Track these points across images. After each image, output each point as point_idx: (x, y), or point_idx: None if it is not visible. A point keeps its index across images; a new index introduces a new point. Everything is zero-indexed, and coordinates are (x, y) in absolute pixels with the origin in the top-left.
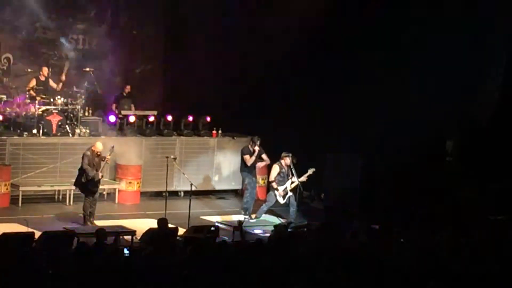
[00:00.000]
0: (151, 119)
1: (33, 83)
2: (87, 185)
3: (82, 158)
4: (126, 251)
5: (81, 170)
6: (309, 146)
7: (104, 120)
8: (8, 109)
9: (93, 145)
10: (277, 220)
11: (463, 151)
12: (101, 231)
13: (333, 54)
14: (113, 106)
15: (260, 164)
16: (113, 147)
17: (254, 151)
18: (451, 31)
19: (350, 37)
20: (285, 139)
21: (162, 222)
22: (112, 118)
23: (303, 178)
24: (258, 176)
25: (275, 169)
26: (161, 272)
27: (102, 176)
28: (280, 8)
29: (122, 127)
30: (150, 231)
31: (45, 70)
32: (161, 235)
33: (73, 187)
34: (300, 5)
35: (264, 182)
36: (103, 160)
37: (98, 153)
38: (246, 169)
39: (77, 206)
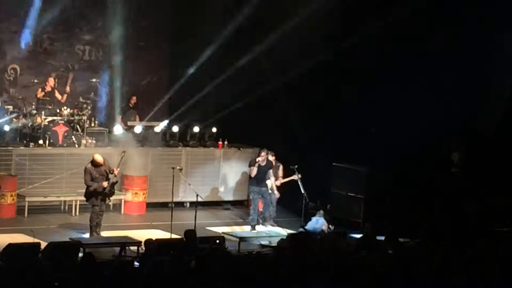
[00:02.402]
0: (157, 130)
1: (39, 93)
2: (95, 196)
3: (84, 174)
4: (136, 263)
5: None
6: (315, 156)
7: (110, 131)
8: (14, 119)
9: (92, 158)
10: (282, 231)
11: (469, 162)
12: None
13: (341, 66)
14: (119, 118)
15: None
16: (124, 152)
17: (257, 162)
18: (455, 40)
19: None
20: (291, 150)
21: (190, 233)
22: (118, 129)
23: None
24: None
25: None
26: (168, 282)
27: (116, 182)
28: (288, 18)
29: (128, 138)
30: (156, 242)
31: (51, 81)
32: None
33: (80, 198)
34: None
35: None
36: (111, 173)
37: (100, 164)
38: (251, 181)
39: (83, 217)
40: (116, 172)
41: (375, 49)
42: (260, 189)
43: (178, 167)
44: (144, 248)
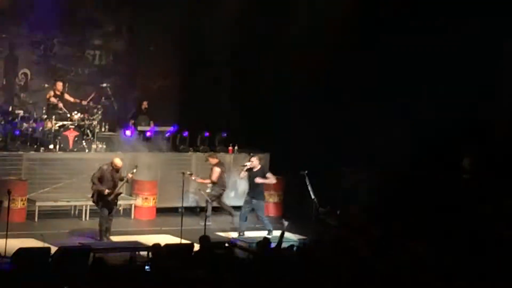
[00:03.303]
0: (168, 135)
1: (51, 94)
2: (101, 199)
3: (97, 170)
4: (147, 267)
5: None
6: (325, 161)
7: (120, 135)
8: (25, 124)
9: (112, 160)
10: (292, 237)
11: (480, 168)
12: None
13: (348, 70)
14: (131, 122)
15: (258, 180)
16: (136, 167)
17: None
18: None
19: (366, 53)
20: (301, 155)
21: (204, 239)
22: (128, 133)
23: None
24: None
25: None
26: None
27: (120, 193)
28: (296, 24)
29: (138, 143)
30: (166, 247)
31: (59, 85)
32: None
33: (89, 203)
34: (316, 22)
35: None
36: (122, 180)
37: (117, 169)
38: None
39: (93, 222)
40: (129, 177)
41: (382, 50)
42: (251, 198)
43: (188, 172)
44: (151, 254)
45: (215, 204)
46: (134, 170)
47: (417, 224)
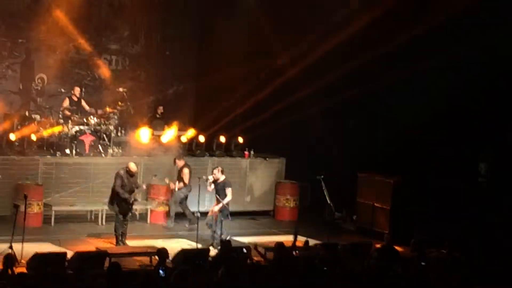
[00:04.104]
0: (184, 139)
1: (66, 103)
2: (119, 205)
3: (115, 178)
4: (161, 272)
5: (114, 190)
6: (342, 166)
7: (136, 140)
8: (41, 128)
9: (127, 165)
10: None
11: (496, 173)
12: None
13: (366, 75)
14: (146, 127)
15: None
16: (155, 176)
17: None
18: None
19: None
20: (318, 160)
21: (225, 243)
22: (144, 138)
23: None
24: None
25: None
26: None
27: (135, 200)
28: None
29: (154, 148)
30: (182, 252)
31: (77, 90)
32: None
33: (106, 207)
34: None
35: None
36: (138, 188)
37: (132, 174)
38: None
39: (109, 226)
40: (144, 189)
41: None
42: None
43: (204, 177)
44: (158, 257)
45: (178, 207)
46: (154, 178)
47: (434, 230)
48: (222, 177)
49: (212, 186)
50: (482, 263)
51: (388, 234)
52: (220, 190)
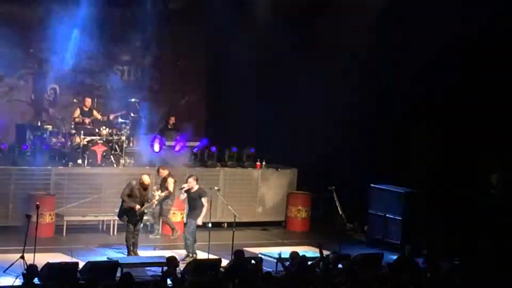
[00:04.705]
0: (196, 150)
1: (77, 113)
2: (128, 215)
3: (126, 187)
4: (169, 281)
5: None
6: (353, 177)
7: (149, 150)
8: (53, 139)
9: (140, 177)
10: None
11: (508, 184)
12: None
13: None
14: (158, 137)
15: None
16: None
17: (182, 187)
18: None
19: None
20: (329, 171)
21: (239, 253)
22: (156, 148)
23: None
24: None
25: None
26: None
27: (144, 213)
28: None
29: (166, 158)
30: (193, 262)
31: (88, 101)
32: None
33: (117, 218)
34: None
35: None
36: (148, 202)
37: (145, 187)
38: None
39: (120, 236)
40: (154, 202)
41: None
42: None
43: (216, 188)
44: (167, 266)
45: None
46: (163, 194)
47: (445, 240)
48: (196, 186)
49: (185, 195)
50: (495, 273)
51: (410, 246)
52: (194, 199)
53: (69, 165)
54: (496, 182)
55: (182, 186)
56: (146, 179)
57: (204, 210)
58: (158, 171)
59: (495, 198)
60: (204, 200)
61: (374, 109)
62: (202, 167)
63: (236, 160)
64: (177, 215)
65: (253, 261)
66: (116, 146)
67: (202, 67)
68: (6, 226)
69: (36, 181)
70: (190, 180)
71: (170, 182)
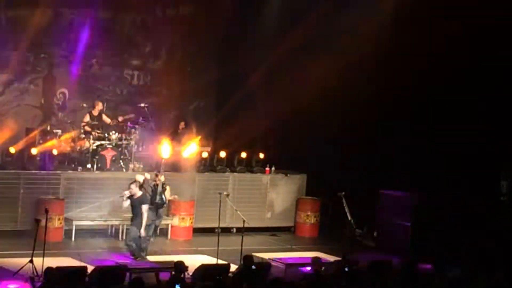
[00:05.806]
0: (205, 155)
1: (87, 118)
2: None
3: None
4: (177, 287)
5: None
6: (363, 183)
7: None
8: (63, 143)
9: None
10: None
11: None
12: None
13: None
14: (167, 142)
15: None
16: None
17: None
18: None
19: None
20: (339, 176)
21: (248, 259)
22: (165, 153)
23: None
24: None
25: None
26: None
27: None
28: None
29: (176, 163)
30: (202, 267)
31: (99, 104)
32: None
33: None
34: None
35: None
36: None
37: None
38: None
39: None
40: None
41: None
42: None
43: (225, 193)
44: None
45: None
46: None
47: (454, 247)
48: (139, 193)
49: (128, 201)
50: (504, 280)
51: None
52: (135, 207)
53: (79, 170)
54: (506, 189)
55: (123, 193)
56: (139, 177)
57: (145, 218)
58: (156, 176)
59: (505, 206)
60: (143, 208)
61: (385, 115)
62: (211, 172)
63: (245, 166)
64: (186, 220)
65: (253, 267)
66: (126, 150)
67: (212, 73)
68: (15, 230)
69: (45, 186)
70: (132, 186)
71: (168, 189)
